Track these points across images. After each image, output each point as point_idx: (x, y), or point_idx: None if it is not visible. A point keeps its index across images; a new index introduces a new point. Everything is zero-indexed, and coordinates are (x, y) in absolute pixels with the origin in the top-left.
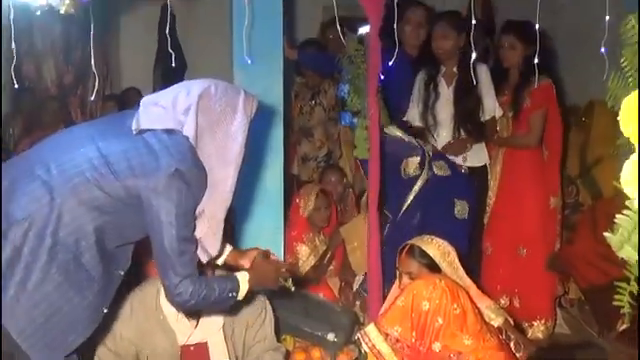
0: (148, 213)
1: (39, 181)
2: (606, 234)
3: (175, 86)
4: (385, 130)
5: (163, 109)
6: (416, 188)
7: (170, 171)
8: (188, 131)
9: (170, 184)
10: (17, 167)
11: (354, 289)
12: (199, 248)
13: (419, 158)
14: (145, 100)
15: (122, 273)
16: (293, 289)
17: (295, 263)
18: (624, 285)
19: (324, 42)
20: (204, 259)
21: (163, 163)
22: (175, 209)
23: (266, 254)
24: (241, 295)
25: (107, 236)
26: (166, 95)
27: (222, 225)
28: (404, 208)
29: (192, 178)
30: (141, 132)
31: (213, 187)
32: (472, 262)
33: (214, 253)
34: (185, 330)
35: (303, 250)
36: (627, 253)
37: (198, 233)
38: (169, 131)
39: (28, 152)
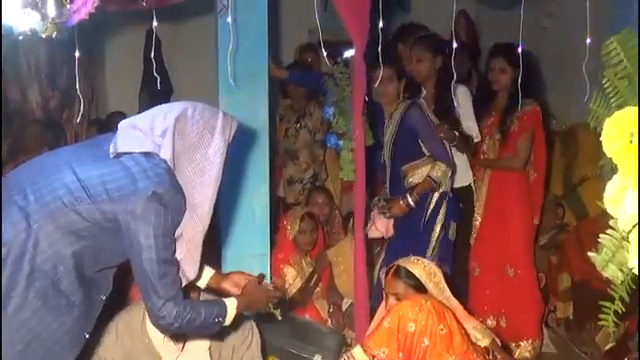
0: (127, 237)
1: (16, 207)
2: (590, 254)
3: (153, 109)
4: None
5: (141, 132)
6: None
7: (148, 194)
8: (165, 154)
9: (148, 207)
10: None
11: (343, 310)
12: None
13: None
14: (123, 123)
15: (104, 298)
16: (280, 318)
17: (285, 290)
18: (609, 304)
19: (304, 63)
20: (183, 282)
21: (141, 186)
22: (153, 232)
23: (260, 279)
24: (228, 321)
25: (85, 261)
26: (144, 118)
27: (200, 248)
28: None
29: (170, 201)
30: (118, 155)
31: (191, 210)
32: (459, 283)
33: (192, 277)
34: (171, 353)
35: (290, 272)
36: (611, 272)
37: (177, 255)
38: (147, 154)
39: (6, 177)
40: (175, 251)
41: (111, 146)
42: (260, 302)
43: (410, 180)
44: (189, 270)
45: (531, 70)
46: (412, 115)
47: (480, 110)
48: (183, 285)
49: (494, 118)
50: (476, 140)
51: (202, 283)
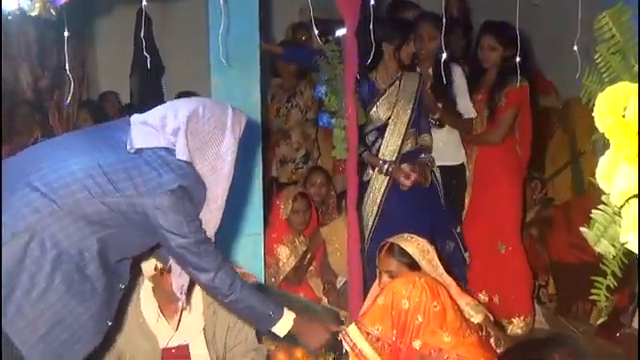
0: (159, 230)
1: (38, 192)
2: (582, 229)
3: (162, 106)
4: None
5: (153, 129)
6: None
7: (173, 187)
8: (182, 155)
9: (174, 200)
10: (5, 176)
11: (337, 288)
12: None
13: None
14: (134, 118)
15: (123, 287)
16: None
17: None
18: (601, 279)
19: (295, 43)
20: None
21: (166, 179)
22: (185, 220)
23: (329, 314)
24: (280, 327)
25: (110, 249)
26: (154, 115)
27: (213, 240)
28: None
29: (194, 192)
30: (138, 151)
31: (205, 205)
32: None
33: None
34: (165, 333)
35: (283, 251)
36: (604, 247)
37: None
38: (168, 149)
39: (14, 161)
40: (204, 230)
41: (128, 142)
42: (315, 341)
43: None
44: None
45: (521, 48)
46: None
47: (469, 87)
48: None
49: (482, 95)
50: (472, 116)
51: None
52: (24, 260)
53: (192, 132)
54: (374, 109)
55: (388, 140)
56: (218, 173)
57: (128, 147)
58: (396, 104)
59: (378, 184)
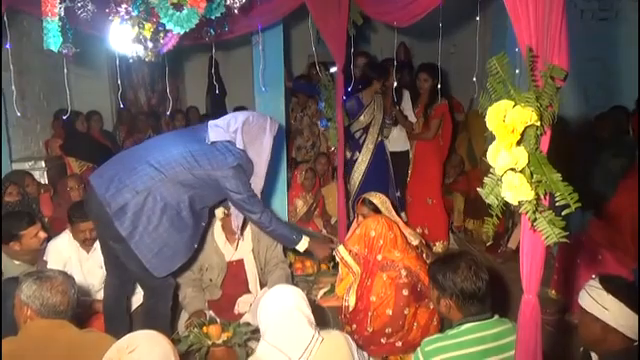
0: (225, 190)
1: (153, 168)
2: (478, 189)
3: (227, 115)
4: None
5: (221, 129)
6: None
7: (234, 164)
8: (239, 145)
9: (234, 172)
10: (133, 157)
11: (332, 224)
12: None
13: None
14: (210, 123)
15: (204, 224)
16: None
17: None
18: (489, 219)
19: (310, 75)
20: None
21: (229, 160)
22: (240, 183)
23: (327, 239)
24: (300, 245)
25: (195, 201)
26: (223, 120)
27: (259, 195)
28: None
29: (246, 167)
30: (213, 143)
31: (255, 175)
32: (402, 207)
33: None
34: (229, 252)
35: (299, 203)
36: (491, 200)
37: None
38: (229, 141)
39: (138, 148)
40: (251, 189)
41: (206, 137)
42: (322, 254)
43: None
44: None
45: (442, 80)
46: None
47: (412, 103)
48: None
49: (419, 108)
50: (414, 121)
51: None
52: (144, 207)
53: (245, 132)
54: (361, 116)
55: (372, 135)
56: (261, 157)
57: (207, 140)
58: (374, 113)
59: (363, 163)
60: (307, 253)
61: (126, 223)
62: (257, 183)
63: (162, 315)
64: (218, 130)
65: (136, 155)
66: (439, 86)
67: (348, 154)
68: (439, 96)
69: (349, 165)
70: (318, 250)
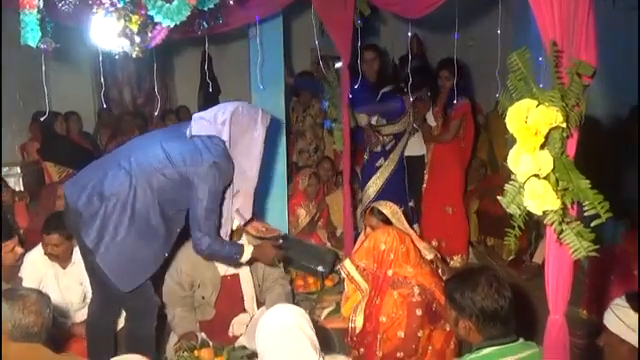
0: (192, 190)
1: (124, 170)
2: (498, 197)
3: (215, 106)
4: None
5: (207, 122)
6: None
7: (210, 162)
8: (224, 137)
9: (209, 172)
10: (108, 161)
11: (337, 236)
12: (237, 214)
13: None
14: (195, 115)
15: (178, 230)
16: (281, 268)
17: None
18: (511, 230)
19: (315, 71)
20: (241, 222)
21: (205, 157)
22: (208, 190)
23: (274, 241)
24: (244, 259)
25: (166, 206)
26: (209, 112)
27: (252, 198)
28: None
29: (224, 167)
30: (192, 137)
31: (244, 173)
32: (415, 217)
33: (247, 217)
34: (223, 265)
35: (302, 212)
36: (513, 210)
37: (236, 205)
38: (210, 136)
39: (116, 150)
40: (219, 204)
41: (187, 130)
42: (268, 257)
43: None
44: (245, 213)
45: (467, 78)
46: None
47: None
48: (243, 223)
49: (438, 108)
50: (432, 124)
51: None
52: (112, 216)
53: (234, 122)
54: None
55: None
56: (252, 151)
57: (187, 134)
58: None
59: (386, 172)
60: (303, 267)
61: (92, 235)
62: (249, 181)
63: (146, 337)
64: (202, 123)
65: (111, 159)
66: (454, 81)
67: (366, 156)
68: (455, 94)
69: (367, 171)
70: (261, 255)
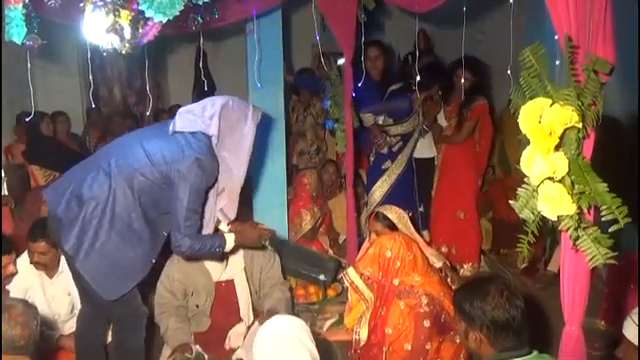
0: (172, 189)
1: (103, 173)
2: (511, 202)
3: (203, 100)
4: None
5: (194, 115)
6: None
7: (192, 159)
8: (212, 131)
9: (190, 168)
10: (89, 163)
11: (340, 243)
12: (221, 214)
13: None
14: (181, 110)
15: (165, 234)
16: (269, 247)
17: (273, 230)
18: (524, 237)
19: (316, 69)
20: (225, 221)
21: (187, 154)
22: (189, 188)
23: (253, 224)
24: (227, 249)
25: (149, 208)
26: (197, 106)
27: (237, 198)
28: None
29: (207, 165)
30: (175, 133)
31: (230, 171)
32: (424, 223)
33: (232, 217)
34: (217, 270)
35: (306, 215)
36: (526, 214)
37: (220, 204)
38: (193, 133)
39: (98, 152)
40: (201, 204)
41: (170, 126)
42: (253, 239)
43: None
44: (230, 212)
45: (484, 77)
46: None
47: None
48: (227, 223)
49: (452, 107)
50: (443, 125)
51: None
52: (91, 221)
53: (223, 117)
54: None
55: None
56: (241, 149)
57: (170, 129)
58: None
59: (393, 175)
60: (303, 275)
61: (72, 240)
62: (236, 178)
63: (135, 348)
64: (187, 117)
65: (92, 161)
66: (462, 81)
67: (372, 158)
68: (470, 93)
69: (372, 173)
70: (245, 239)
